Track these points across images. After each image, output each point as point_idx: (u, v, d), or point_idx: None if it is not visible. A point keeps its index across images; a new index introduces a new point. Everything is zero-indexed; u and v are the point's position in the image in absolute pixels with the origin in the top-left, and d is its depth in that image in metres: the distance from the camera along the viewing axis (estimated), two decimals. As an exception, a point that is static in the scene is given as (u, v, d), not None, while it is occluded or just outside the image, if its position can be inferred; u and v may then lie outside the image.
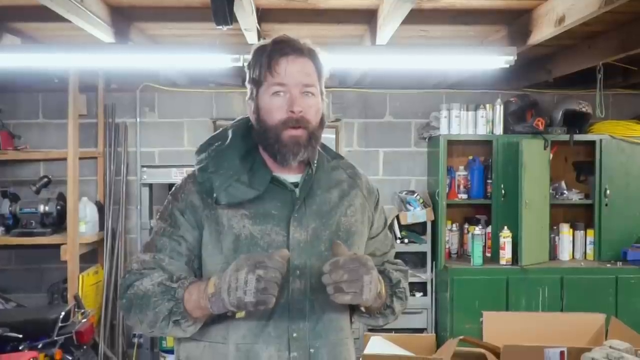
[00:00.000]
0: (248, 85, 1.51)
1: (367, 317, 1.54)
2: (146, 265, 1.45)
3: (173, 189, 1.55)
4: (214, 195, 1.44)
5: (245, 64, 1.54)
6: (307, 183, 1.51)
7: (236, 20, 2.68)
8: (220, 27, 2.55)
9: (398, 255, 1.76)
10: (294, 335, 1.43)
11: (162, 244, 1.47)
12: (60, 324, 3.52)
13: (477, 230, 4.54)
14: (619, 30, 3.32)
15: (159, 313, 1.37)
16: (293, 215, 1.46)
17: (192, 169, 1.55)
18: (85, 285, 4.35)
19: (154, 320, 1.38)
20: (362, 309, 1.52)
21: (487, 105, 4.60)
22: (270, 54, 1.44)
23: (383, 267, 1.60)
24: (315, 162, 1.53)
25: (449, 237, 4.77)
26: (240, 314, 1.36)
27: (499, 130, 4.58)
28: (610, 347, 2.50)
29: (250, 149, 1.51)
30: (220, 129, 1.61)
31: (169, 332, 1.40)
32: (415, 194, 4.77)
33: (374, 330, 3.58)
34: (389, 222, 4.46)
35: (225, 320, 1.43)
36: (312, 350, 1.45)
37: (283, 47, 1.45)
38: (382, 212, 1.68)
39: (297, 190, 1.49)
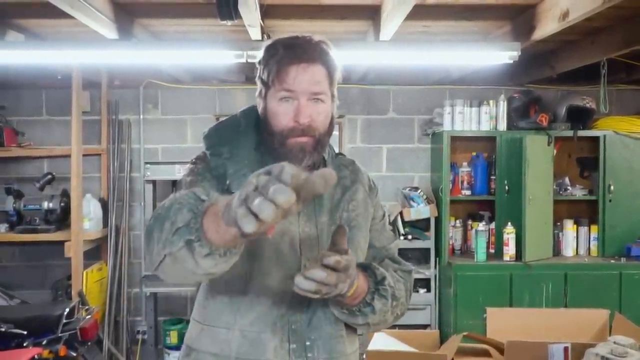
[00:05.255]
0: (258, 82, 1.49)
1: (347, 315, 1.46)
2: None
3: (196, 156, 1.51)
4: (227, 182, 1.42)
5: (254, 60, 1.52)
6: None
7: (240, 16, 2.68)
8: (225, 22, 2.54)
9: (402, 251, 1.73)
10: (293, 327, 1.44)
11: (202, 187, 1.33)
12: (64, 321, 3.53)
13: (481, 226, 4.53)
14: (623, 25, 3.31)
15: (175, 224, 1.10)
16: (302, 210, 1.45)
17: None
18: (89, 282, 4.35)
19: (167, 233, 1.12)
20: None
21: (491, 101, 4.60)
22: (280, 61, 1.39)
23: (368, 262, 1.53)
24: (326, 158, 1.53)
25: (453, 233, 4.77)
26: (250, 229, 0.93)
27: (502, 126, 4.58)
28: (615, 342, 2.50)
29: (261, 142, 1.49)
30: (230, 115, 1.58)
31: (180, 255, 1.10)
32: (419, 190, 4.76)
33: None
34: (392, 218, 4.55)
35: (233, 305, 1.42)
36: (308, 343, 1.45)
37: (293, 55, 1.39)
38: (380, 206, 1.67)
39: None
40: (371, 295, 1.44)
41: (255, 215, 0.90)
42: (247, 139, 1.48)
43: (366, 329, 1.55)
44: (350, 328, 1.55)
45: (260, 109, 1.49)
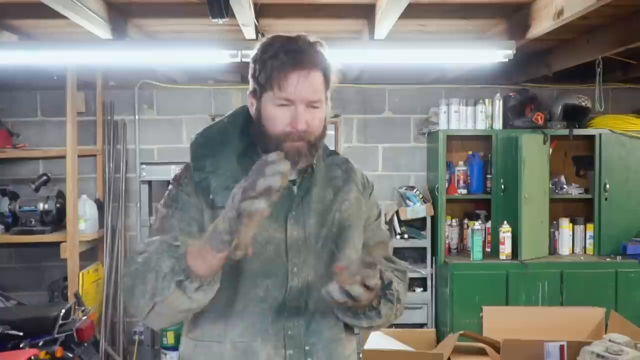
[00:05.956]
0: (251, 80, 1.46)
1: (351, 317, 1.47)
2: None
3: (174, 176, 1.51)
4: (211, 196, 1.42)
5: (249, 59, 1.49)
6: (305, 181, 1.50)
7: (234, 16, 2.67)
8: (216, 20, 2.54)
9: (398, 250, 1.72)
10: (289, 332, 1.43)
11: (171, 225, 1.41)
12: (60, 322, 3.53)
13: (477, 225, 4.54)
14: (618, 23, 3.30)
15: (160, 272, 1.23)
16: (290, 213, 1.45)
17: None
18: (86, 283, 4.35)
19: (154, 283, 1.23)
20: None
21: (487, 100, 4.60)
22: (280, 67, 1.37)
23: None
24: (314, 161, 1.51)
25: (449, 232, 4.77)
26: (241, 252, 1.18)
27: (498, 125, 4.58)
28: (610, 340, 2.50)
29: (247, 146, 1.48)
30: (217, 120, 1.58)
31: (173, 297, 1.23)
32: (415, 190, 4.76)
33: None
34: (388, 217, 4.55)
35: (222, 318, 1.42)
36: (307, 348, 1.44)
37: (294, 62, 1.37)
38: (375, 205, 1.66)
39: (295, 188, 1.48)
40: (378, 300, 1.44)
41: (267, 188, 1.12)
42: (231, 149, 1.47)
43: (368, 330, 1.56)
44: (348, 329, 1.55)
45: (253, 108, 1.47)
